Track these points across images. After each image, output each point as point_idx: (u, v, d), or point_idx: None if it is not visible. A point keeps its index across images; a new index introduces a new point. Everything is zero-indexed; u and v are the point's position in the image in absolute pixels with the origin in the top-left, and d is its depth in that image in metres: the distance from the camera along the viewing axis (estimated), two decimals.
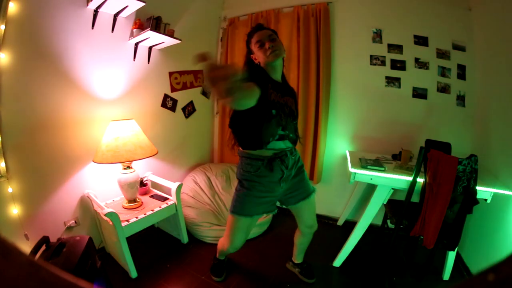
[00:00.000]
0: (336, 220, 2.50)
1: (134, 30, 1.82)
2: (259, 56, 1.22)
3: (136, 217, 1.65)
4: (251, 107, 0.99)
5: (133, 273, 1.63)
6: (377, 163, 1.72)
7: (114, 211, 1.50)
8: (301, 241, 1.62)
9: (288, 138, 1.25)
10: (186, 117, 2.53)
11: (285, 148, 1.25)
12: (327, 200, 2.52)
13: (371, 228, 1.89)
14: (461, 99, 2.07)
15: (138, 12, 1.78)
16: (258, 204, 1.28)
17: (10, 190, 1.38)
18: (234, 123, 1.23)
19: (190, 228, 2.09)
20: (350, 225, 2.25)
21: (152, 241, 2.08)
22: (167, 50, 2.16)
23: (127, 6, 1.65)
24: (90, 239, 1.35)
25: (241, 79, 0.69)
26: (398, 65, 2.17)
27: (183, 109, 2.48)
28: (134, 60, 1.96)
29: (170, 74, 2.28)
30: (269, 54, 1.17)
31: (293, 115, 1.27)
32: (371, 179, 1.67)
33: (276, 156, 1.24)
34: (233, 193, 1.36)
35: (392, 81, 2.20)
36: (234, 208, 1.30)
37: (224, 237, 1.45)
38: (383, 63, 2.20)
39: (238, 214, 1.29)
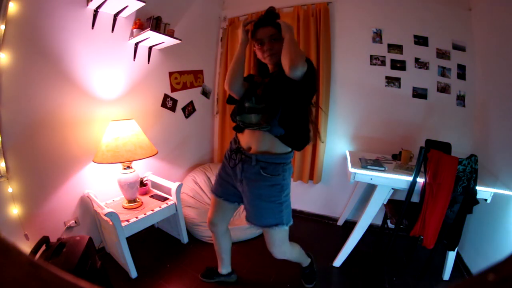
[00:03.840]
0: (336, 220, 2.50)
1: (134, 30, 1.82)
2: (257, 54, 1.22)
3: (136, 217, 1.65)
4: None
5: (133, 273, 1.63)
6: (377, 163, 1.72)
7: (114, 211, 1.50)
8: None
9: (258, 104, 1.14)
10: (186, 117, 2.53)
11: (251, 122, 1.15)
12: (327, 200, 2.52)
13: (371, 228, 1.89)
14: (461, 99, 2.07)
15: (138, 12, 1.78)
16: (220, 184, 1.38)
17: (10, 190, 1.38)
18: None
19: (190, 228, 2.09)
20: (350, 225, 2.26)
21: (152, 241, 2.08)
22: (167, 50, 2.16)
23: (127, 6, 1.65)
24: (90, 239, 1.35)
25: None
26: (398, 65, 2.17)
27: (183, 109, 2.48)
28: (134, 60, 1.96)
29: (170, 74, 2.28)
30: (266, 56, 1.17)
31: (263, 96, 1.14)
32: (371, 179, 1.67)
33: (238, 150, 1.24)
34: None
35: (392, 81, 2.20)
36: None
37: None
38: (383, 63, 2.20)
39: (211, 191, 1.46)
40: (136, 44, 1.92)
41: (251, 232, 2.12)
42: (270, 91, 1.14)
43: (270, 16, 1.17)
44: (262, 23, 1.16)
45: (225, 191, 1.37)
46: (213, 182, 2.43)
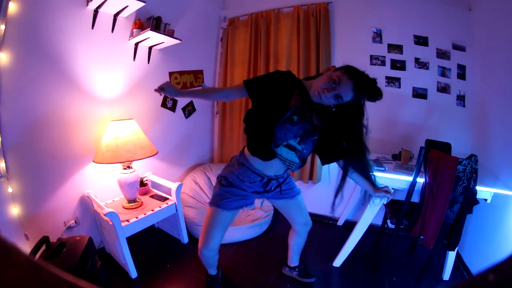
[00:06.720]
0: (336, 220, 2.50)
1: (134, 30, 1.82)
2: (318, 82, 1.09)
3: (136, 217, 1.65)
4: (266, 106, 1.09)
5: (133, 273, 1.63)
6: (377, 163, 1.72)
7: (114, 211, 1.50)
8: (296, 242, 1.58)
9: (302, 154, 1.18)
10: (186, 117, 2.53)
11: (291, 162, 1.17)
12: (327, 200, 2.50)
13: (371, 228, 1.89)
14: (461, 99, 2.07)
15: (138, 12, 1.78)
16: (239, 199, 1.25)
17: (10, 190, 1.38)
18: (247, 121, 1.17)
19: (190, 228, 2.09)
20: (350, 225, 2.25)
21: (152, 241, 2.08)
22: (167, 50, 2.16)
23: (127, 6, 1.65)
24: (90, 239, 1.35)
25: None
26: (398, 65, 2.17)
27: (183, 109, 2.47)
28: (134, 60, 1.95)
29: (170, 74, 2.28)
30: (324, 97, 1.04)
31: (313, 134, 1.17)
32: None
33: (273, 178, 1.24)
34: None
35: (392, 81, 2.20)
36: (214, 200, 1.25)
37: (201, 236, 1.30)
38: (383, 63, 2.20)
39: (217, 207, 1.23)
40: (136, 44, 1.92)
41: (251, 232, 2.12)
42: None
43: (375, 92, 1.02)
44: (359, 81, 1.02)
45: (245, 201, 1.28)
46: (213, 182, 2.44)
